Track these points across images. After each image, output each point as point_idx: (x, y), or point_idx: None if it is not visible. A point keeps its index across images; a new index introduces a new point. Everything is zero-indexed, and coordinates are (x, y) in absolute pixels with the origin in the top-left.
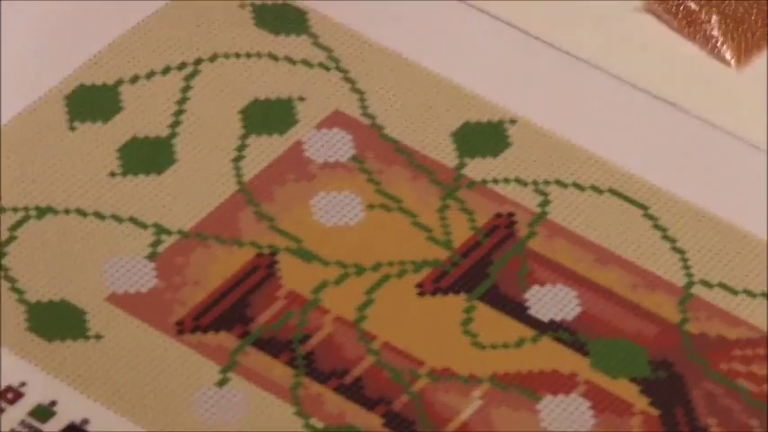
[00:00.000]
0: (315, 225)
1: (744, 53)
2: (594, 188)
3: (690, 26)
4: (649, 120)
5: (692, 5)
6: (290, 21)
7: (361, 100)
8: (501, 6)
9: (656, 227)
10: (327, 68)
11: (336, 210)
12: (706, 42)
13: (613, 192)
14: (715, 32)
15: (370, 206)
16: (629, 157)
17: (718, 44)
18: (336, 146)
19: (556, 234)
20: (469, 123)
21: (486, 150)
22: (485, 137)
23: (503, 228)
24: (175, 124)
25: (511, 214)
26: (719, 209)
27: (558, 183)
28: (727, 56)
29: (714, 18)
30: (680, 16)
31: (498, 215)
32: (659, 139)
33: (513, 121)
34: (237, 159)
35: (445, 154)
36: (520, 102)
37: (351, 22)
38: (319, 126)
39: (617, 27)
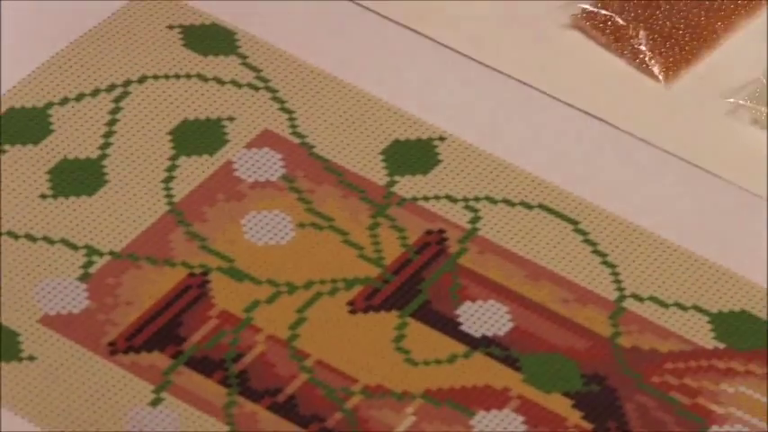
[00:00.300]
0: (246, 244)
1: (672, 68)
2: (525, 204)
3: (618, 41)
4: (579, 135)
5: (620, 21)
6: (218, 41)
7: (291, 119)
8: (428, 25)
9: (587, 241)
10: (256, 88)
11: (267, 229)
12: (634, 57)
13: (543, 207)
14: (643, 47)
15: (301, 225)
16: (558, 173)
17: (647, 59)
18: (266, 165)
19: (487, 250)
20: (399, 141)
21: (415, 168)
22: (414, 154)
23: (434, 244)
24: (105, 146)
25: (441, 231)
26: (649, 222)
27: (489, 199)
28: (656, 71)
29: (642, 33)
30: (608, 32)
31: (429, 232)
32: (589, 154)
33: (442, 139)
34: (168, 180)
35: (375, 172)
36: (449, 119)
37: (280, 42)
38: (249, 146)
39: (545, 43)
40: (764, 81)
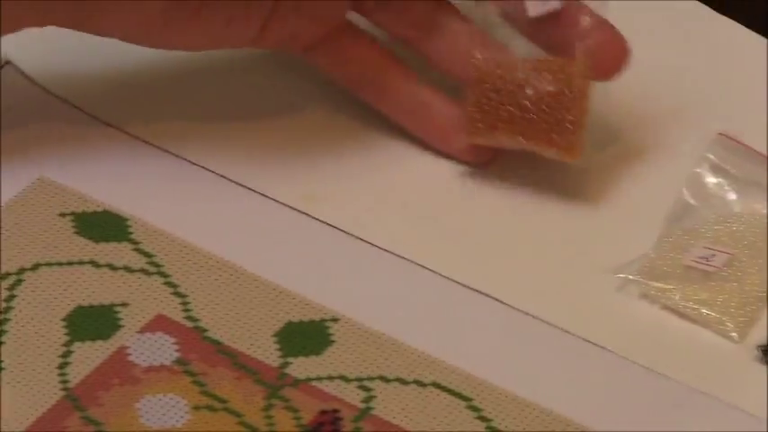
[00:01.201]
0: (142, 428)
1: None
2: (418, 382)
3: None
4: (470, 313)
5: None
6: (110, 228)
7: (184, 303)
8: (317, 208)
9: (480, 418)
10: (149, 274)
11: (163, 412)
12: None
13: (437, 385)
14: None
15: (196, 407)
16: (451, 351)
17: None
18: (160, 349)
19: (381, 430)
20: (292, 323)
21: (309, 349)
22: (307, 336)
23: (328, 425)
24: (0, 334)
25: (336, 411)
26: (538, 395)
27: (382, 378)
28: None
29: None
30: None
31: (323, 412)
32: (480, 332)
33: (334, 320)
34: (63, 366)
35: (269, 354)
36: (341, 300)
37: (172, 228)
38: (143, 330)
39: (430, 220)
40: (653, 256)
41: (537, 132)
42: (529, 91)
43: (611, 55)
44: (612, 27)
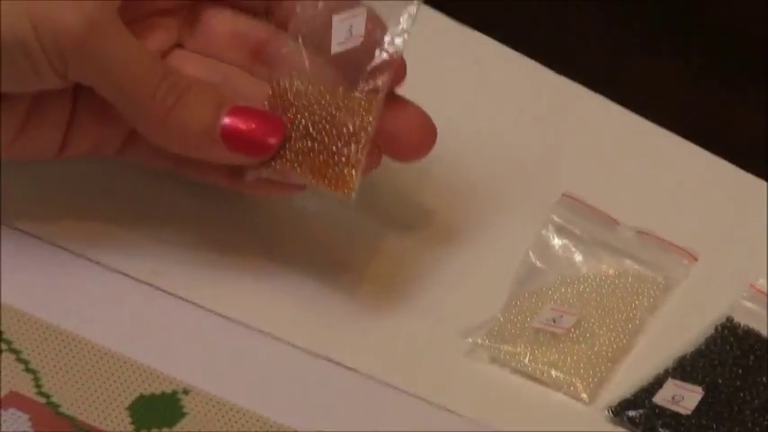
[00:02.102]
0: None
1: None
2: None
3: None
4: (321, 380)
5: None
6: None
7: (36, 379)
8: (162, 280)
9: None
10: None
11: None
12: None
13: None
14: None
15: None
16: (304, 420)
17: None
18: (14, 426)
19: None
20: (144, 396)
21: (162, 421)
22: (159, 408)
23: None
24: None
25: None
26: None
27: None
28: None
29: None
30: None
31: None
32: (332, 400)
33: (186, 392)
34: None
35: (122, 427)
36: (191, 371)
37: (20, 303)
38: None
39: (280, 290)
40: (501, 319)
41: (310, 160)
42: (313, 116)
43: (417, 137)
44: (423, 112)
